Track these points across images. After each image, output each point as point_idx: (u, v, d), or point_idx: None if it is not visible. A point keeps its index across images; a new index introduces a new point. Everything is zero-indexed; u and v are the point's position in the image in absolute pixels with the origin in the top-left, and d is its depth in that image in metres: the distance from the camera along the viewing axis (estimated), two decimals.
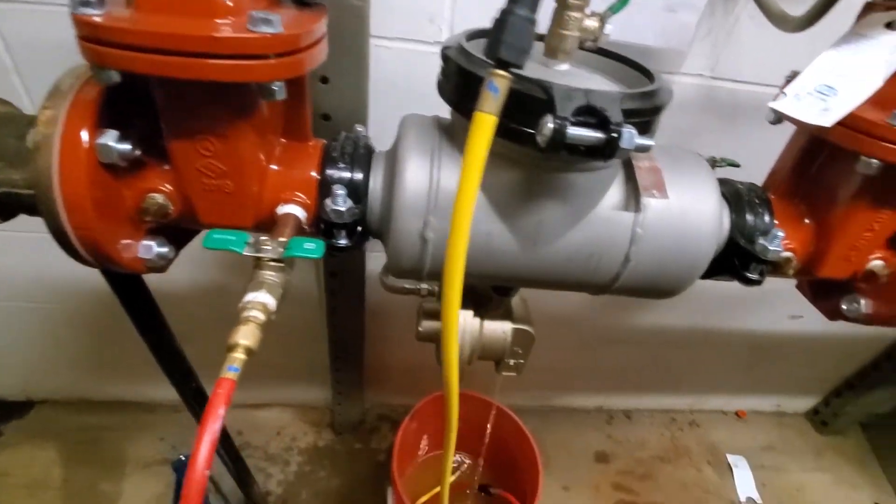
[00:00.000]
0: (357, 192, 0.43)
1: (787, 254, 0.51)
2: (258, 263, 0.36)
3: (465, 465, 1.24)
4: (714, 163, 0.64)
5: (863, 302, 0.55)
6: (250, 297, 0.34)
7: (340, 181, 0.42)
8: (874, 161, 0.43)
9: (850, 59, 0.43)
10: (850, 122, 0.42)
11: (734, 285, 1.25)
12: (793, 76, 0.50)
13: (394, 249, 0.43)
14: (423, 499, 1.06)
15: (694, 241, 0.45)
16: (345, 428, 1.39)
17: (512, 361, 0.63)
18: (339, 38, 0.60)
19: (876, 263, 0.52)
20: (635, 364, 1.44)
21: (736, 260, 0.49)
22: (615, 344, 1.34)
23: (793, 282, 1.02)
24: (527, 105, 0.33)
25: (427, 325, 0.60)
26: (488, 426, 0.99)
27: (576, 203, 0.41)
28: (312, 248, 0.35)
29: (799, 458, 1.56)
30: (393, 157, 0.43)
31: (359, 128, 0.49)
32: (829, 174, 0.49)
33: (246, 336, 0.32)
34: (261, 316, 0.33)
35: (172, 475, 1.18)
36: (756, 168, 0.60)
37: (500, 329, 0.59)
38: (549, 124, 0.31)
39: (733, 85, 0.78)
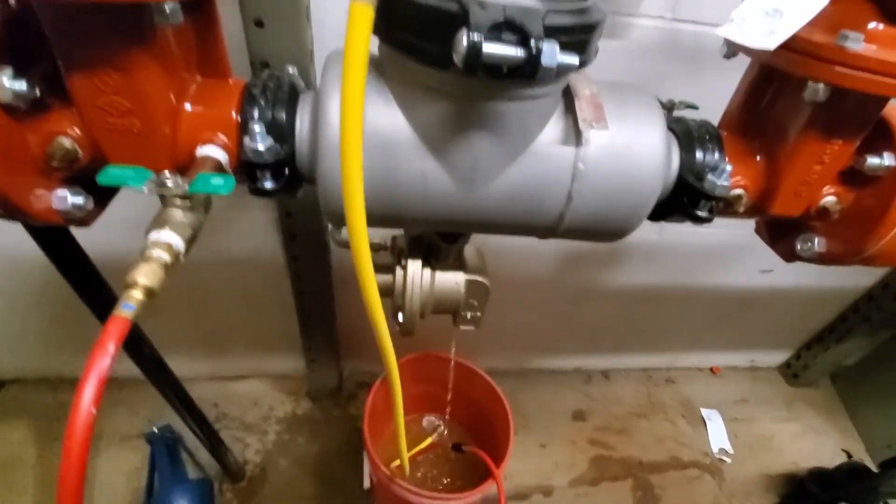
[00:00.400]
0: (281, 132, 0.40)
1: (738, 191, 0.50)
2: (164, 201, 0.33)
3: (442, 427, 1.26)
4: (672, 106, 0.62)
5: (817, 240, 0.55)
6: (153, 235, 0.32)
7: (259, 119, 0.39)
8: (821, 86, 0.41)
9: None
10: (796, 46, 0.40)
11: (705, 241, 1.25)
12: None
13: (323, 194, 0.41)
14: (398, 462, 1.07)
15: (639, 176, 0.43)
16: (322, 395, 1.40)
17: (468, 314, 0.62)
18: None
19: (828, 199, 0.52)
20: (612, 324, 1.45)
21: (685, 198, 0.48)
22: (591, 302, 1.35)
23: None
24: (441, 20, 0.31)
25: (378, 278, 0.58)
26: (449, 384, 0.99)
27: (511, 136, 0.39)
28: (220, 183, 0.33)
29: (770, 409, 1.61)
30: (317, 95, 0.40)
31: (289, 68, 0.46)
32: (778, 106, 0.47)
33: (146, 275, 0.30)
34: (165, 256, 0.31)
35: (146, 448, 1.18)
36: (717, 111, 0.58)
37: (452, 280, 0.58)
38: (464, 40, 0.29)
39: (695, 27, 0.75)
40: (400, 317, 0.56)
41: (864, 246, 0.52)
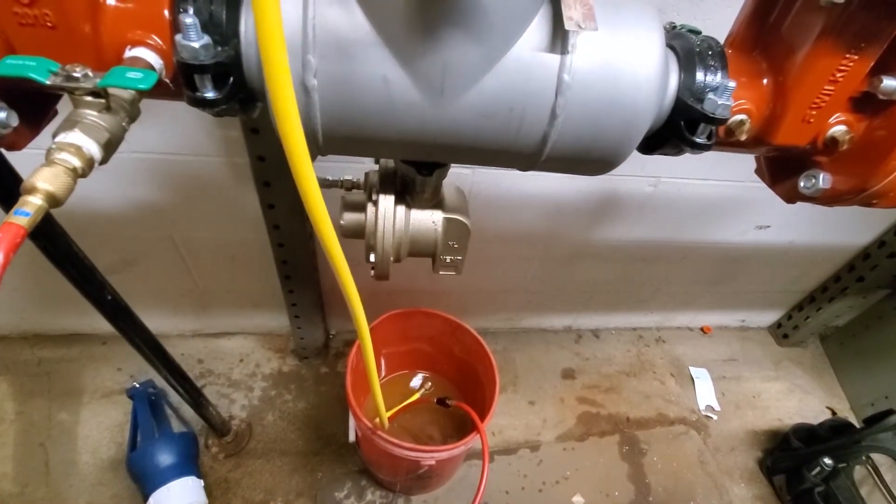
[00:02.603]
0: (221, 30, 0.35)
1: (741, 116, 0.45)
2: (75, 101, 0.28)
3: (430, 384, 1.24)
4: (673, 27, 0.56)
5: (822, 176, 0.50)
6: (60, 137, 0.27)
7: (194, 13, 0.34)
8: None
9: None
10: None
11: (702, 193, 1.20)
12: None
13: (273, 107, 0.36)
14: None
15: (632, 92, 0.39)
16: (309, 353, 1.38)
17: (448, 258, 0.58)
18: None
19: (838, 129, 0.47)
20: (604, 284, 1.42)
21: (682, 123, 0.43)
22: (583, 260, 1.31)
23: (760, 189, 0.97)
24: None
25: (349, 217, 0.54)
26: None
27: (487, 37, 0.34)
28: (138, 76, 0.28)
29: (758, 368, 1.61)
30: None
31: None
32: (789, 16, 0.42)
33: (48, 179, 0.25)
34: (72, 160, 0.27)
35: (130, 403, 1.16)
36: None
37: (428, 219, 0.54)
38: None
39: None
40: (372, 257, 0.52)
41: (871, 181, 0.48)
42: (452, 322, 1.11)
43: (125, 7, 0.35)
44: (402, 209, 0.52)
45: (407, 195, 0.53)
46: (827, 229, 1.30)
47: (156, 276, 1.20)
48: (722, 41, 0.50)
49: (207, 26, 0.34)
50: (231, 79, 0.36)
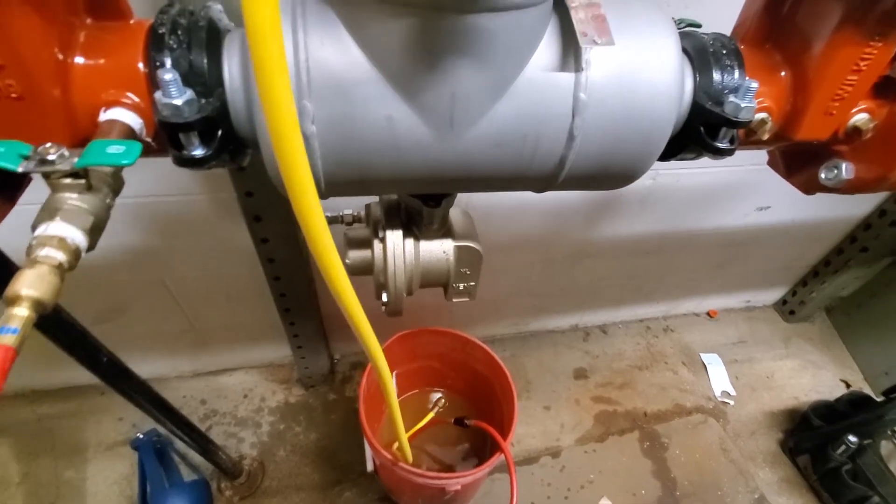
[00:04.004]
0: (203, 81, 0.32)
1: (762, 115, 0.43)
2: (52, 185, 0.25)
3: (443, 401, 1.21)
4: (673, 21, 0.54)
5: (844, 166, 0.48)
6: (41, 229, 0.24)
7: (172, 66, 0.31)
8: None
9: None
10: None
11: (701, 181, 1.18)
12: None
13: (268, 159, 0.33)
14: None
15: (651, 105, 0.36)
16: (315, 381, 1.34)
17: (461, 285, 0.55)
18: None
19: (860, 117, 0.45)
20: (608, 279, 1.40)
21: (702, 128, 0.41)
22: (585, 259, 1.29)
23: (760, 171, 0.95)
24: None
25: (354, 255, 0.51)
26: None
27: (496, 62, 0.31)
28: (120, 150, 0.25)
29: (768, 348, 1.60)
30: (239, 41, 0.31)
31: (212, 3, 0.37)
32: (804, 6, 0.40)
33: (32, 284, 0.22)
34: (56, 255, 0.23)
35: (135, 454, 1.12)
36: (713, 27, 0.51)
37: (439, 249, 0.51)
38: None
39: None
40: (384, 296, 0.49)
41: None
42: (461, 338, 1.08)
43: (95, 64, 0.31)
44: (410, 243, 0.49)
45: (413, 227, 0.50)
46: (827, 204, 1.29)
47: (149, 320, 1.16)
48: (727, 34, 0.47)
49: (188, 78, 0.31)
50: (219, 132, 0.33)
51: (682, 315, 1.64)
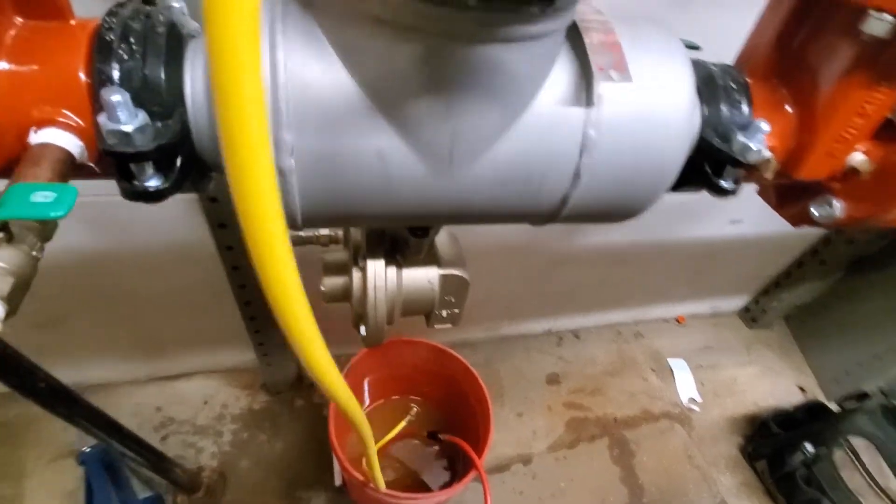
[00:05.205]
0: (160, 99, 0.27)
1: (767, 153, 0.41)
2: None
3: (416, 410, 1.18)
4: None
5: (836, 204, 0.48)
6: None
7: (122, 80, 0.26)
8: (887, 17, 0.32)
9: None
10: None
11: (683, 195, 1.19)
12: None
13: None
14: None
15: (661, 143, 0.34)
16: (281, 387, 1.28)
17: (445, 312, 0.52)
18: None
19: (859, 159, 0.44)
20: (582, 285, 1.40)
21: (707, 165, 0.39)
22: (561, 266, 1.28)
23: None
24: None
25: (331, 282, 0.47)
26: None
27: (504, 96, 0.28)
28: (48, 199, 0.20)
29: (732, 354, 1.65)
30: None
31: (173, 1, 0.32)
32: (818, 43, 0.38)
33: None
34: None
35: (80, 469, 1.04)
36: (720, 53, 0.49)
37: (423, 278, 0.47)
38: None
39: None
40: (363, 329, 0.45)
41: (892, 208, 0.45)
42: (436, 348, 1.05)
43: (25, 72, 0.26)
44: (393, 272, 0.45)
45: (397, 254, 0.46)
46: None
47: (100, 324, 1.08)
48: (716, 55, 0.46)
49: (141, 95, 0.26)
50: (179, 159, 0.28)
51: (652, 320, 1.67)
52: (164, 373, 1.27)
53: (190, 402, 1.25)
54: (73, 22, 0.27)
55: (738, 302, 1.73)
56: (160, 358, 1.23)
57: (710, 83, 0.39)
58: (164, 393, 1.26)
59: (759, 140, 0.36)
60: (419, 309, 0.49)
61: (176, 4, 0.32)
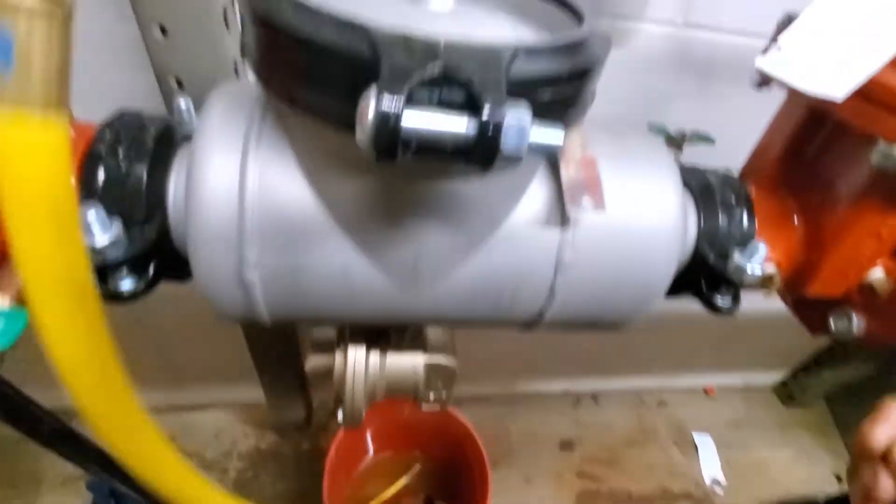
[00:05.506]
0: (139, 204, 0.28)
1: (770, 268, 0.39)
2: None
3: (417, 468, 1.15)
4: (683, 138, 0.51)
5: (855, 320, 0.44)
6: None
7: (103, 191, 0.27)
8: None
9: None
10: (867, 92, 0.29)
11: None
12: (787, 22, 0.36)
13: (206, 296, 0.29)
14: None
15: (646, 263, 0.32)
16: (289, 429, 1.28)
17: (432, 396, 0.51)
18: None
19: (877, 277, 0.41)
20: (603, 345, 1.35)
21: (703, 279, 0.37)
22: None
23: None
24: (341, 68, 0.19)
25: (316, 360, 0.46)
26: None
27: (467, 224, 0.28)
28: None
29: (763, 433, 1.53)
30: (190, 151, 0.28)
31: (181, 101, 0.34)
32: (829, 161, 0.36)
33: None
34: None
35: (89, 494, 1.06)
36: (738, 142, 0.47)
37: (408, 364, 0.46)
38: (371, 106, 0.17)
39: (711, 35, 0.63)
40: (340, 415, 0.45)
41: None
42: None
43: None
44: (375, 357, 0.45)
45: (382, 338, 0.45)
46: None
47: (126, 353, 1.12)
48: (737, 138, 0.44)
49: (122, 203, 0.28)
50: (153, 260, 0.29)
51: (678, 389, 1.58)
52: (182, 402, 1.30)
53: (202, 435, 1.27)
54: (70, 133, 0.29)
55: (773, 376, 1.62)
56: (181, 388, 1.26)
57: (707, 195, 0.37)
58: (180, 422, 1.28)
59: (758, 261, 0.34)
60: (403, 391, 0.48)
61: (182, 105, 0.34)
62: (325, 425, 1.33)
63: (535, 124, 0.19)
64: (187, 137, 0.32)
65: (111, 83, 0.57)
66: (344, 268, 0.28)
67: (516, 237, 0.30)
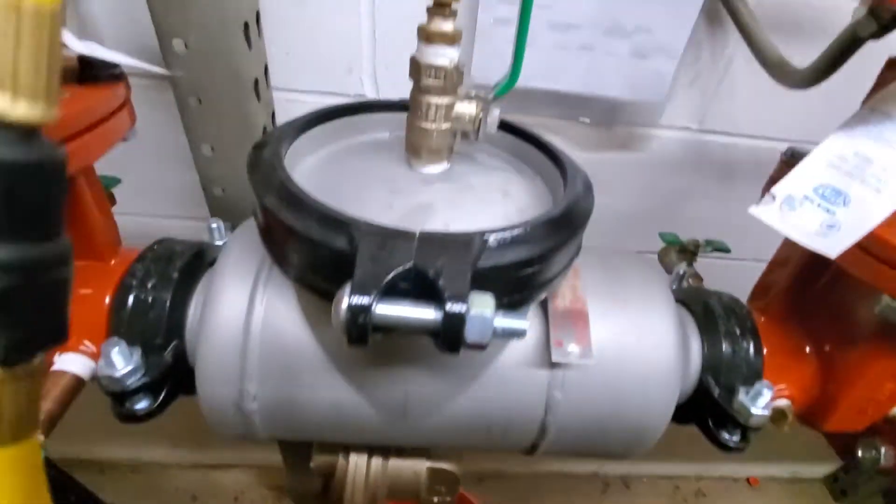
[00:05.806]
0: (159, 333, 0.31)
1: (782, 403, 0.37)
2: None
3: None
4: (697, 247, 0.51)
5: (884, 451, 0.41)
6: None
7: (128, 324, 0.30)
8: None
9: (866, 149, 0.30)
10: (868, 245, 0.29)
11: None
12: (790, 156, 0.37)
13: (207, 420, 0.31)
14: None
15: (640, 403, 0.32)
16: (305, 498, 1.27)
17: (435, 499, 0.50)
18: (218, 97, 0.49)
19: None
20: None
21: (708, 415, 0.36)
22: None
23: None
24: (324, 258, 0.21)
25: (321, 460, 0.47)
26: None
27: (454, 370, 0.29)
28: None
29: None
30: (209, 281, 0.31)
31: (212, 223, 0.37)
32: (840, 297, 0.36)
33: None
34: None
35: None
36: (756, 240, 0.47)
37: (409, 469, 0.46)
38: (343, 302, 0.19)
39: (726, 139, 0.65)
40: None
41: None
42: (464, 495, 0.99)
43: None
44: (378, 461, 0.45)
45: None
46: None
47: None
48: (755, 241, 0.43)
49: (144, 334, 0.30)
50: (168, 383, 0.32)
51: (718, 478, 1.46)
52: (206, 461, 1.32)
53: (223, 496, 1.27)
54: (113, 262, 0.33)
55: (823, 469, 1.47)
56: (206, 447, 1.29)
57: (710, 320, 0.37)
58: (203, 481, 1.29)
59: (763, 404, 0.33)
60: (404, 496, 0.48)
61: (213, 225, 0.37)
62: (341, 497, 1.31)
63: (499, 314, 0.20)
64: (213, 263, 0.36)
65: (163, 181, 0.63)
66: (336, 402, 0.29)
67: (505, 378, 0.30)
